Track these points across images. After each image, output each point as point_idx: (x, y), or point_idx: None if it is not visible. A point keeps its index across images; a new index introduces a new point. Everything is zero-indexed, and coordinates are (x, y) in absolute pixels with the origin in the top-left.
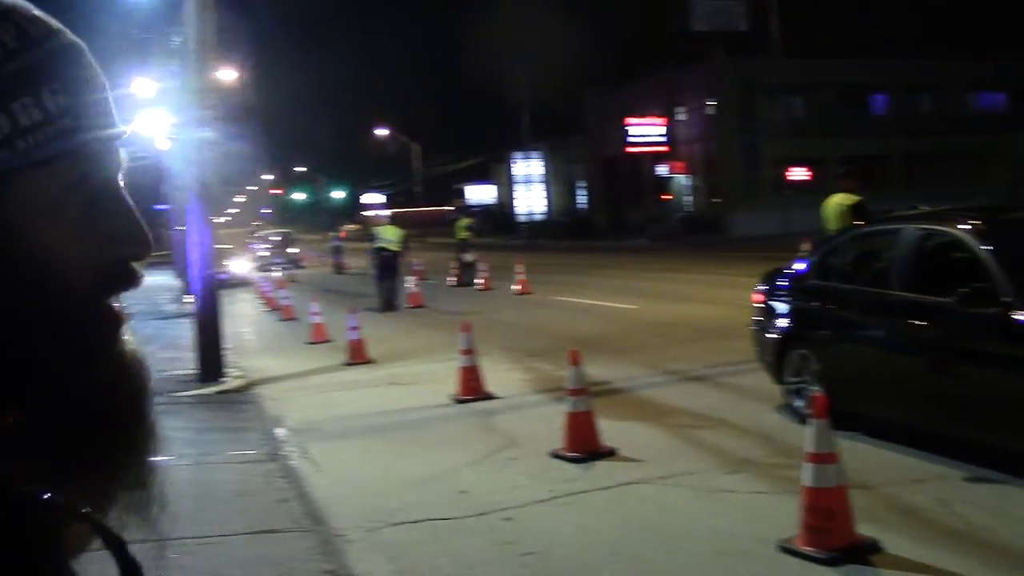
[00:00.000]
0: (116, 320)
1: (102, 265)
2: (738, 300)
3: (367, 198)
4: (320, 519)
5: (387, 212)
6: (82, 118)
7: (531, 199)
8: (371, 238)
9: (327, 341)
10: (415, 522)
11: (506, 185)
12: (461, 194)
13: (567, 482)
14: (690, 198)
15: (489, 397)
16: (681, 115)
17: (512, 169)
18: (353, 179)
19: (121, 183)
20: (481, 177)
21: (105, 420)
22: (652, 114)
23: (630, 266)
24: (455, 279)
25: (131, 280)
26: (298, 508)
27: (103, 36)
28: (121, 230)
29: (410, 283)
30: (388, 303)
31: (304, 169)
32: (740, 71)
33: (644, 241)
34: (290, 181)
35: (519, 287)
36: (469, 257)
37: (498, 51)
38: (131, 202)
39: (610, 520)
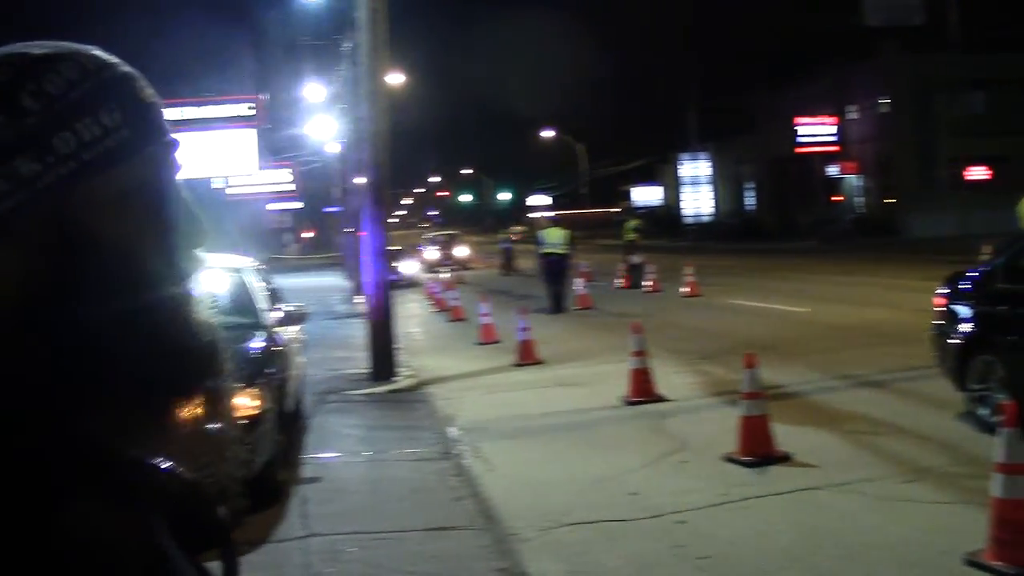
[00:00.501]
0: (186, 298)
1: (167, 253)
2: (914, 304)
3: (534, 200)
4: (493, 518)
5: (552, 214)
6: (136, 132)
7: (698, 200)
8: (537, 240)
9: (496, 342)
10: (588, 523)
11: (672, 186)
12: (627, 196)
13: (741, 486)
14: (862, 199)
15: (660, 399)
16: (853, 113)
17: (679, 170)
18: (518, 181)
19: (178, 183)
20: (647, 178)
21: (181, 387)
22: (822, 113)
23: (800, 269)
24: (623, 281)
25: (195, 265)
26: (472, 506)
27: (276, 43)
28: (180, 223)
29: (578, 285)
30: (557, 305)
31: (470, 171)
32: (916, 67)
33: (814, 243)
34: (456, 183)
35: (687, 289)
36: (636, 259)
37: (663, 51)
38: (188, 199)
39: (785, 526)
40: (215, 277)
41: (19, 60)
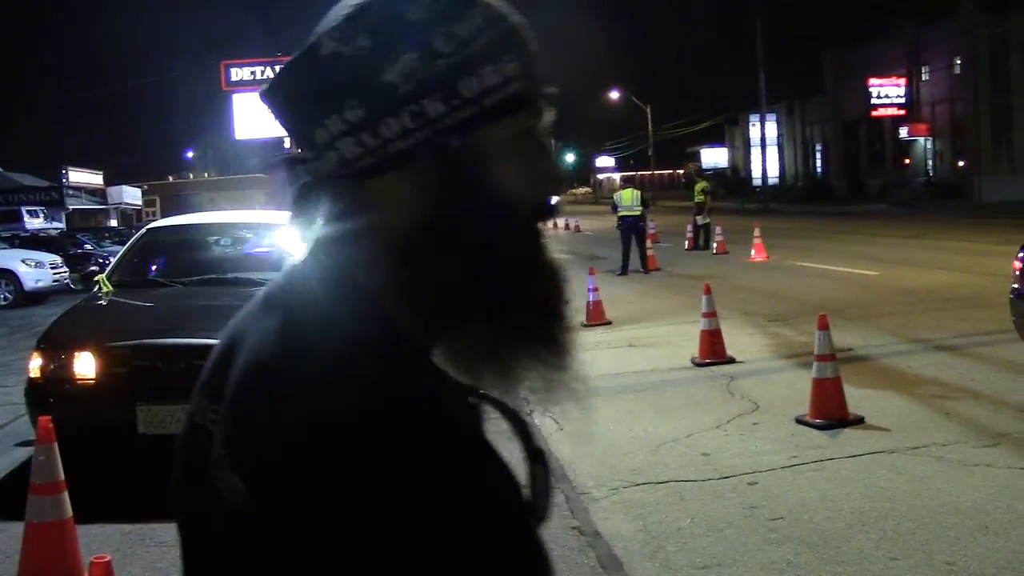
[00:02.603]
0: (542, 237)
1: (535, 197)
2: (988, 268)
3: (601, 161)
4: (564, 476)
5: (622, 175)
6: (528, 81)
7: (766, 162)
8: (610, 202)
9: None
10: (659, 483)
11: (740, 148)
12: (698, 157)
13: (813, 449)
14: (933, 162)
15: (730, 361)
16: (926, 75)
17: (748, 131)
18: (585, 142)
19: (550, 132)
20: (714, 140)
21: (537, 308)
22: (894, 74)
23: (869, 232)
24: (690, 243)
25: (552, 211)
26: None
27: None
28: (548, 171)
29: (646, 246)
30: (626, 266)
31: None
32: (992, 26)
33: (884, 206)
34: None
35: (755, 251)
36: (702, 219)
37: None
38: (551, 149)
39: (858, 489)
40: (288, 234)
41: (432, 1)
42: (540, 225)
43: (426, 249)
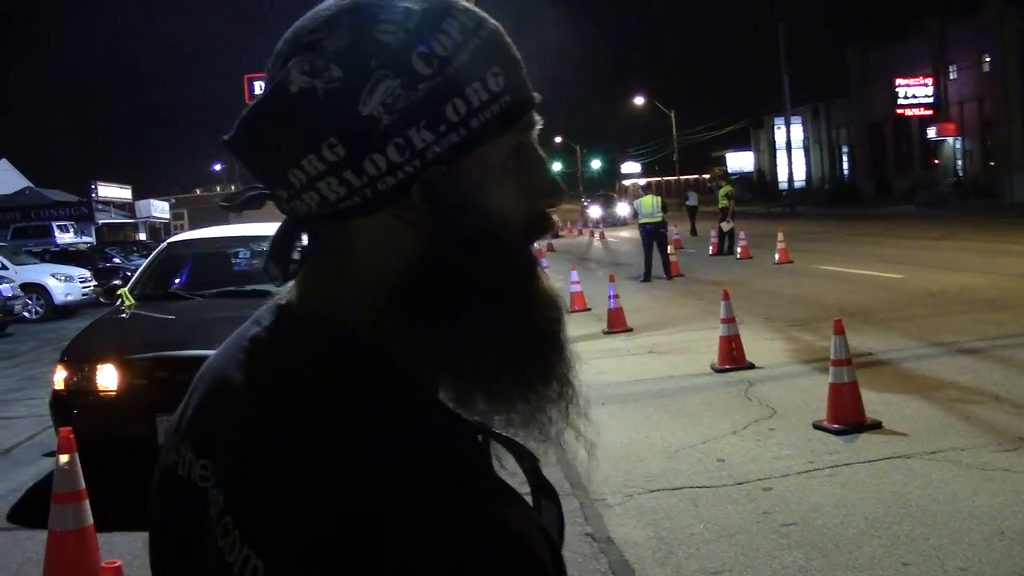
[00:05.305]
0: (536, 260)
1: (530, 215)
2: (1015, 269)
3: (626, 167)
4: (579, 483)
5: (643, 181)
6: (515, 93)
7: (792, 165)
8: (632, 210)
9: (586, 309)
10: (673, 489)
11: (765, 151)
12: (722, 161)
13: (830, 454)
14: (961, 162)
15: (750, 366)
16: (953, 74)
17: (773, 134)
18: (610, 147)
19: (537, 142)
20: (739, 143)
21: (534, 341)
22: (920, 73)
23: (895, 234)
24: (714, 248)
25: (550, 226)
26: (557, 471)
27: None
28: (543, 184)
29: (668, 252)
30: (649, 273)
31: (560, 139)
32: (1021, 23)
33: (911, 207)
34: (549, 152)
35: (779, 256)
36: (727, 225)
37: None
38: (545, 158)
39: (873, 494)
40: None
41: (403, 17)
42: (534, 250)
43: (421, 287)
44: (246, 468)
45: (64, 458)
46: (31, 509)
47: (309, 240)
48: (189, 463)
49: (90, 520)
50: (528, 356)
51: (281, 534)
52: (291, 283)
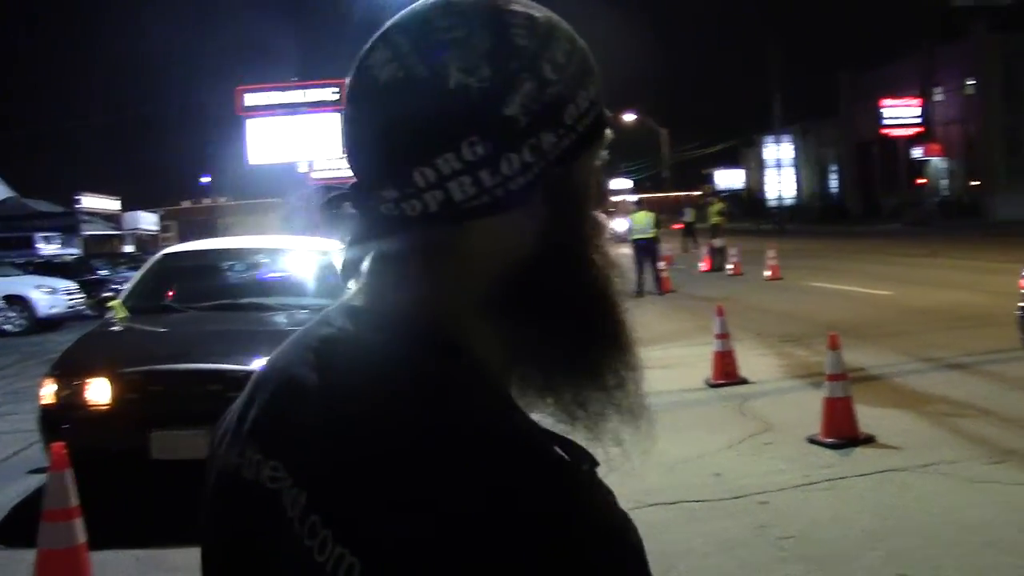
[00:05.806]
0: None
1: (596, 222)
2: (999, 286)
3: (616, 183)
4: None
5: (635, 197)
6: (601, 101)
7: (781, 183)
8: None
9: None
10: (670, 503)
11: (755, 169)
12: (711, 179)
13: (824, 468)
14: (946, 181)
15: (743, 382)
16: (939, 95)
17: (763, 153)
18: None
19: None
20: (730, 161)
21: (617, 342)
22: (908, 95)
23: (883, 251)
24: (705, 264)
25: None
26: None
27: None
28: (603, 194)
29: (660, 268)
30: (641, 289)
31: None
32: (1004, 47)
33: (898, 226)
34: None
35: (770, 272)
36: (719, 242)
37: (748, 33)
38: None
39: (868, 507)
40: (303, 259)
41: (528, 23)
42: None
43: (528, 286)
44: (335, 467)
45: (56, 474)
46: (17, 528)
47: (392, 242)
48: (256, 465)
49: (83, 538)
50: (610, 356)
51: (378, 533)
52: (358, 285)
